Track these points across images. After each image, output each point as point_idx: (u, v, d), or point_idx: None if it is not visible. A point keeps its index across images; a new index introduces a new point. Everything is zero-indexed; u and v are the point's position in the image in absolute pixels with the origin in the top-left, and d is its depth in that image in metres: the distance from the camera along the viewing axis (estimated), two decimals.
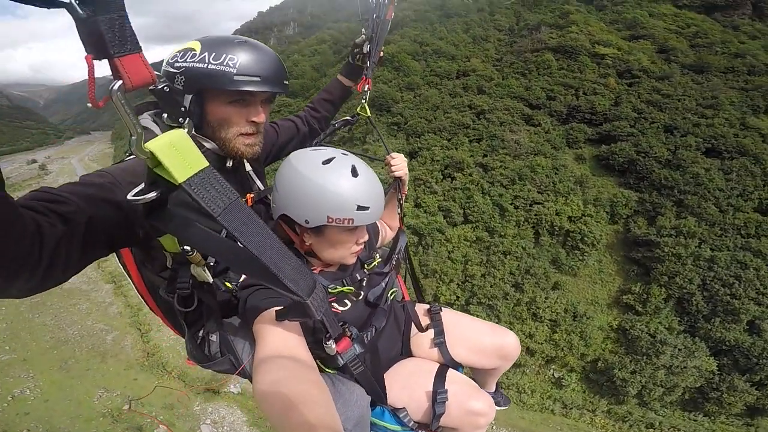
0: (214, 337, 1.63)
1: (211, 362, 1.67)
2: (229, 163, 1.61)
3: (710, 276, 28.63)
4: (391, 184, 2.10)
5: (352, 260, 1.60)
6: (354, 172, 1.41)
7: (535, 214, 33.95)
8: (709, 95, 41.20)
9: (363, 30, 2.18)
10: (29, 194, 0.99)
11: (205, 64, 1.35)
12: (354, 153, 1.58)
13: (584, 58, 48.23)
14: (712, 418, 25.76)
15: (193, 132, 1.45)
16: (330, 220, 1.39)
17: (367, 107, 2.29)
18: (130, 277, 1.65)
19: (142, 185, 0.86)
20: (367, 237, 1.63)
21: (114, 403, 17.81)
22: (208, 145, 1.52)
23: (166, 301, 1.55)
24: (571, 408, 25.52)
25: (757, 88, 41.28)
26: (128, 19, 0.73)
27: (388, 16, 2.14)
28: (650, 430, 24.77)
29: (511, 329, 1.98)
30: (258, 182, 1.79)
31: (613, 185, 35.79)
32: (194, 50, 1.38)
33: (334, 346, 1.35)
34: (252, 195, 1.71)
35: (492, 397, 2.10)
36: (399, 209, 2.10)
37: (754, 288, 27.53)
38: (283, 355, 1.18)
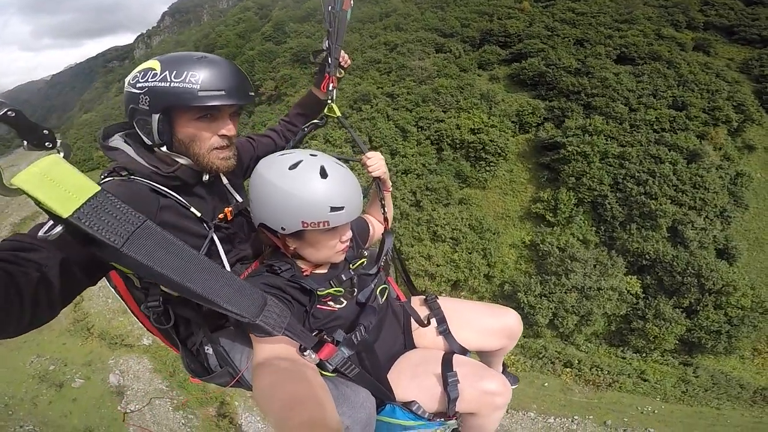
0: (209, 350, 1.57)
1: (211, 375, 1.62)
2: (206, 177, 1.52)
3: (621, 174, 25.49)
4: (370, 184, 2.02)
5: (339, 258, 1.54)
6: (323, 174, 1.35)
7: (436, 131, 30.52)
8: (625, 12, 39.18)
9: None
10: (0, 244, 0.97)
11: (168, 83, 1.30)
12: (326, 153, 1.48)
13: None
14: (643, 355, 21.65)
15: (164, 150, 1.41)
16: (305, 224, 1.34)
17: (335, 107, 2.12)
18: (122, 298, 1.53)
19: (49, 221, 0.76)
20: (350, 234, 1.54)
21: (43, 366, 20.86)
22: (182, 161, 1.45)
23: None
24: None
25: (677, 5, 39.59)
26: None
27: (345, 6, 2.03)
28: (567, 369, 20.38)
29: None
30: (236, 195, 1.69)
31: (527, 99, 32.87)
32: (154, 70, 1.32)
33: (314, 356, 1.26)
34: (230, 208, 1.59)
35: None
36: (382, 209, 1.97)
37: (671, 184, 24.45)
38: (281, 357, 1.16)
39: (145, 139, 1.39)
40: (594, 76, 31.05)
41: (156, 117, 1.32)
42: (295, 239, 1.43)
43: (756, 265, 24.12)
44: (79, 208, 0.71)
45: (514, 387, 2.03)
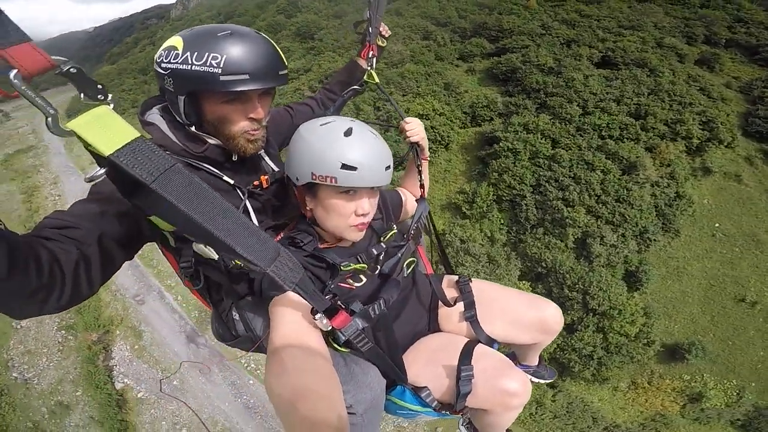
0: (236, 316, 1.58)
1: (235, 340, 1.65)
2: (235, 157, 1.48)
3: (546, 176, 24.00)
4: (408, 151, 1.93)
5: (352, 235, 1.42)
6: (348, 132, 1.32)
7: (387, 113, 30.47)
8: (635, 18, 36.17)
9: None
10: (43, 221, 1.05)
11: (189, 66, 1.23)
12: (366, 122, 1.48)
13: None
14: None
15: (194, 129, 1.38)
16: (314, 176, 1.31)
17: (374, 74, 2.14)
18: (167, 258, 1.54)
19: (97, 167, 0.83)
20: (368, 209, 1.41)
21: None
22: (211, 141, 1.42)
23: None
24: None
25: (702, 18, 36.09)
26: (3, 13, 0.75)
27: None
28: None
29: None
30: (272, 164, 1.66)
31: (485, 92, 31.90)
32: (176, 49, 1.25)
33: (325, 321, 1.14)
34: (266, 177, 1.55)
35: (535, 370, 2.03)
36: (419, 177, 1.87)
37: (592, 194, 22.72)
38: (293, 344, 1.13)
39: (177, 119, 1.38)
40: (562, 75, 29.23)
41: (182, 99, 1.30)
42: (311, 197, 1.41)
43: (667, 294, 21.78)
44: (119, 149, 0.78)
45: (551, 380, 2.11)
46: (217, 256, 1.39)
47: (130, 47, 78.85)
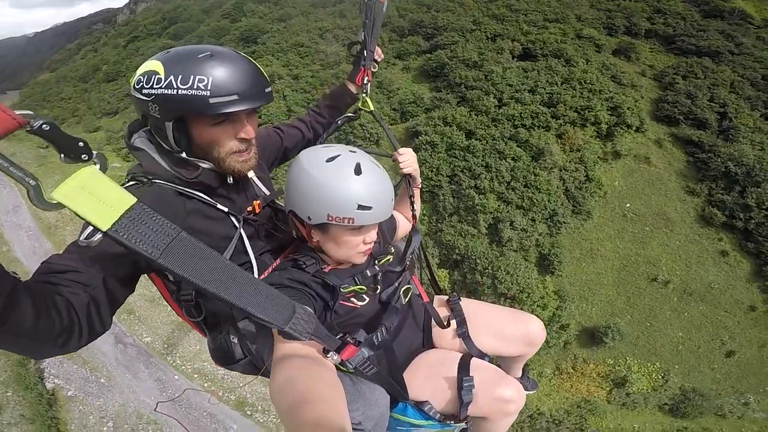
0: (235, 340, 1.56)
1: (235, 364, 1.62)
2: (230, 180, 1.48)
3: (461, 166, 24.41)
4: (400, 181, 1.94)
5: (359, 260, 1.50)
6: (358, 171, 1.34)
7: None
8: (561, 11, 37.29)
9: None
10: (43, 266, 1.04)
11: (175, 90, 1.18)
12: (365, 150, 1.50)
13: None
14: None
15: (184, 155, 1.36)
16: (330, 218, 1.33)
17: (369, 101, 2.07)
18: (152, 281, 1.50)
19: (89, 228, 0.76)
20: (375, 237, 1.49)
21: None
22: (204, 165, 1.40)
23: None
24: None
25: (624, 10, 37.41)
26: None
27: None
28: None
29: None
30: (263, 188, 1.66)
31: (413, 88, 32.42)
32: (158, 74, 1.21)
33: (336, 357, 1.22)
34: (259, 201, 1.57)
35: (519, 381, 1.96)
36: (411, 207, 1.92)
37: (502, 180, 23.20)
38: (298, 355, 1.16)
39: (164, 145, 1.36)
40: (483, 69, 29.88)
41: (169, 125, 1.27)
42: (320, 232, 1.42)
43: (582, 276, 22.33)
44: (117, 221, 0.74)
45: (532, 392, 2.16)
46: None
47: (72, 54, 76.27)
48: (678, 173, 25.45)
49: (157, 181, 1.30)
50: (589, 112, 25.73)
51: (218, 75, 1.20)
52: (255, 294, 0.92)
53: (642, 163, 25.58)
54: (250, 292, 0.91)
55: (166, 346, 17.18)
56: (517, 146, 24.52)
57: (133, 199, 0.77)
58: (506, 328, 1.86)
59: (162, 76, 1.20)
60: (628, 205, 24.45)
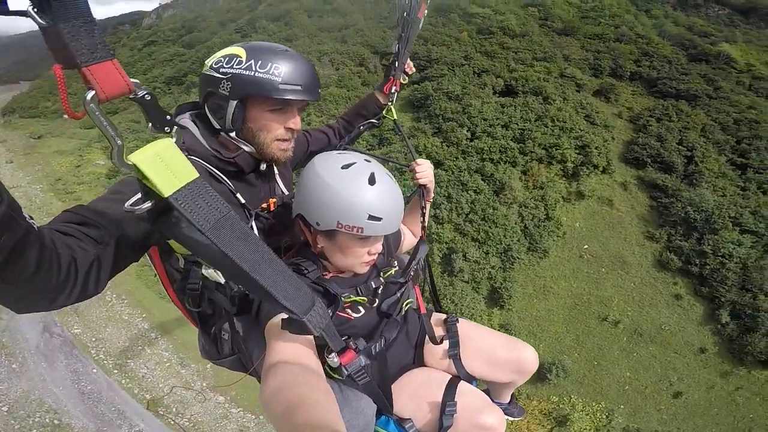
0: (226, 336, 1.62)
1: (223, 359, 1.67)
2: (263, 167, 1.60)
3: None
4: (414, 191, 1.98)
5: (362, 270, 1.52)
6: (371, 181, 1.35)
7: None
8: (550, 51, 38.44)
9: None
10: (63, 215, 1.03)
11: (252, 72, 1.34)
12: (380, 158, 1.59)
13: (454, 16, 46.94)
14: None
15: (232, 135, 1.46)
16: (339, 225, 1.34)
17: (393, 109, 2.21)
18: (153, 264, 1.60)
19: (139, 195, 0.80)
20: (381, 249, 1.52)
21: None
22: (246, 148, 1.51)
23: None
24: None
25: (610, 52, 38.41)
26: (95, 24, 0.70)
27: (419, 14, 2.07)
28: None
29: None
30: (283, 187, 1.77)
31: (410, 119, 33.62)
32: (240, 57, 1.37)
33: (336, 359, 1.27)
34: (275, 200, 1.68)
35: (506, 408, 2.11)
36: (422, 218, 1.96)
37: (461, 212, 24.01)
38: (290, 361, 1.16)
39: (214, 123, 1.46)
40: (462, 102, 31.02)
41: (233, 103, 1.39)
42: (327, 239, 1.44)
43: (532, 312, 22.66)
44: (179, 190, 0.77)
45: (520, 419, 2.19)
46: (224, 281, 1.46)
47: None
48: (640, 217, 25.74)
49: (192, 157, 1.39)
50: (556, 149, 26.44)
51: (290, 67, 1.38)
52: (284, 281, 0.94)
53: (605, 206, 26.01)
54: (281, 279, 0.93)
55: (94, 340, 17.32)
56: (482, 179, 25.32)
57: (195, 174, 0.80)
58: (499, 354, 1.84)
59: (243, 59, 1.36)
60: (585, 246, 24.81)
